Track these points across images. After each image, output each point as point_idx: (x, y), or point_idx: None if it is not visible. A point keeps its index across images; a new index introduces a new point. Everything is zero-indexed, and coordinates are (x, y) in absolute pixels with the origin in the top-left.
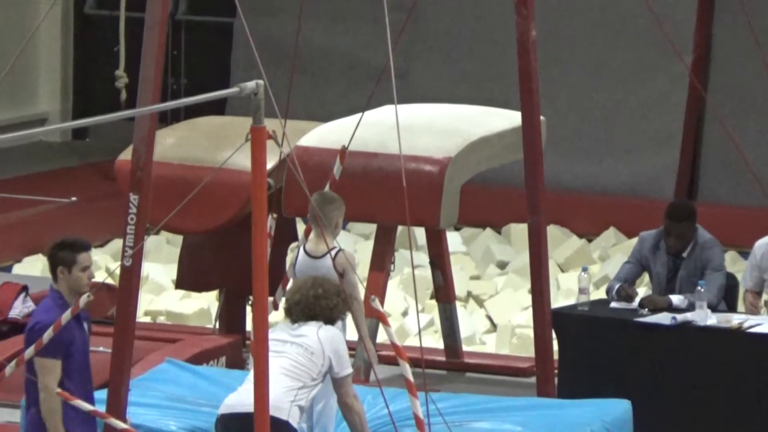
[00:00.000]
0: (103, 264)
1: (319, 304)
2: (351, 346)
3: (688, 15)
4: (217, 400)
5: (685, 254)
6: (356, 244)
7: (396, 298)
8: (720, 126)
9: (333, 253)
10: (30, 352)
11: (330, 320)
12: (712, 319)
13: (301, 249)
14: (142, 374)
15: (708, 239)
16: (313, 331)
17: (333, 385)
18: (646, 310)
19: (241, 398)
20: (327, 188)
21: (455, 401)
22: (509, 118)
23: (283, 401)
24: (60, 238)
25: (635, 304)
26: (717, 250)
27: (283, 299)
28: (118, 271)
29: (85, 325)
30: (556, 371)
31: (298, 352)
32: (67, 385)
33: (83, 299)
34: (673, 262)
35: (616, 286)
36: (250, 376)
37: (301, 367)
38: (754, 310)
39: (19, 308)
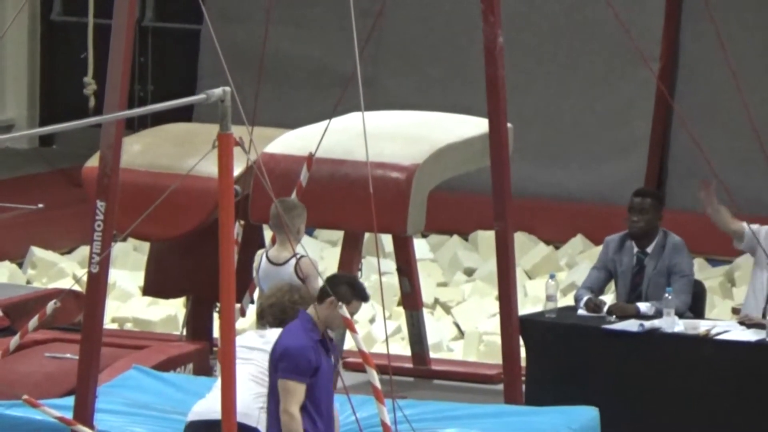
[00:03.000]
0: (70, 271)
1: (293, 309)
2: None
3: (655, 22)
4: (184, 407)
5: (649, 249)
6: (323, 251)
7: (363, 305)
8: (687, 133)
9: (295, 259)
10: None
11: None
12: (679, 326)
13: (264, 256)
14: (109, 381)
15: (677, 242)
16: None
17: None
18: (614, 317)
19: (209, 405)
20: (294, 195)
21: (422, 408)
22: (476, 125)
23: (251, 408)
24: (349, 275)
25: (604, 311)
26: (685, 255)
27: (251, 305)
28: (85, 278)
29: (332, 358)
30: (523, 378)
31: (266, 359)
32: (308, 409)
33: (50, 306)
34: (638, 257)
35: (585, 298)
36: (218, 382)
37: (268, 373)
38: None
39: None
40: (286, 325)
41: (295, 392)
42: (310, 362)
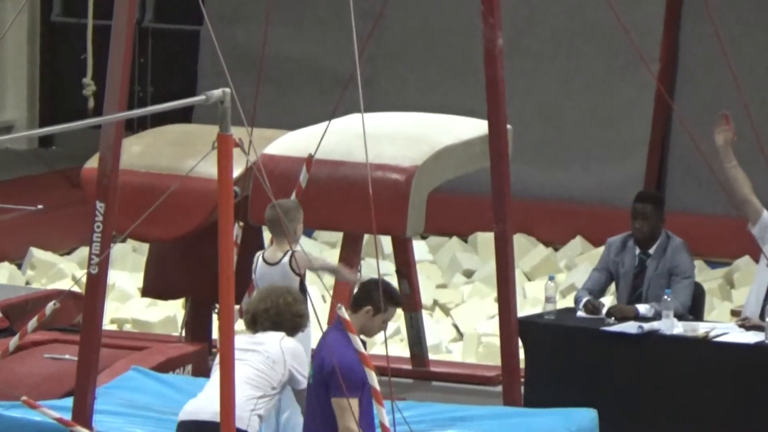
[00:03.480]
0: (70, 272)
1: (289, 310)
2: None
3: (655, 23)
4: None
5: (651, 251)
6: (322, 253)
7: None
8: (686, 134)
9: (288, 257)
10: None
11: (294, 329)
12: (678, 328)
13: (261, 257)
14: (108, 382)
15: (679, 243)
16: (275, 340)
17: (295, 396)
18: (613, 319)
19: (200, 405)
20: (293, 196)
21: (421, 410)
22: (476, 127)
23: (243, 410)
24: (383, 281)
25: (603, 313)
26: (686, 256)
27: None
28: (84, 279)
29: None
30: (522, 380)
31: (260, 360)
32: (359, 422)
33: (49, 307)
34: (640, 258)
35: (584, 300)
36: (211, 381)
37: (262, 375)
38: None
39: None
40: (281, 329)
41: (352, 409)
42: (360, 376)
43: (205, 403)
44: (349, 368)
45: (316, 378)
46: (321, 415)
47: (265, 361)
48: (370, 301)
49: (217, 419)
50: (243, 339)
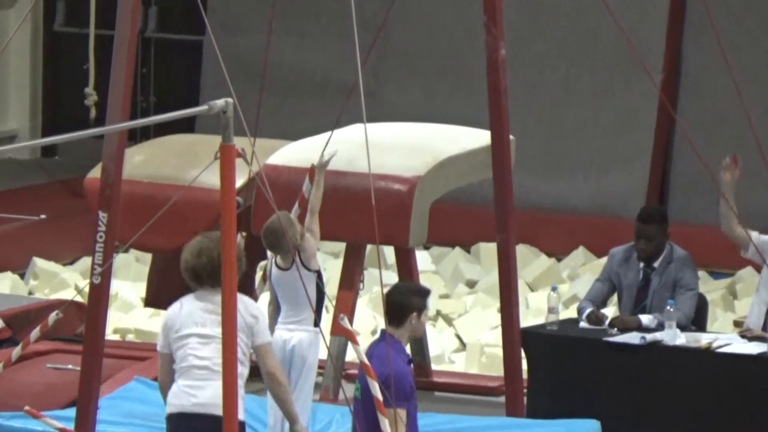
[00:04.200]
0: (72, 282)
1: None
2: (321, 365)
3: (657, 33)
4: None
5: (656, 264)
6: (325, 263)
7: (365, 317)
8: (689, 145)
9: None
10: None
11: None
12: (681, 339)
13: (273, 261)
14: (111, 392)
15: (683, 256)
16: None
17: (256, 353)
18: (616, 329)
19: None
20: (296, 207)
21: (424, 420)
22: (478, 137)
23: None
24: (409, 285)
25: (605, 324)
26: (691, 268)
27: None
28: (87, 289)
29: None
30: (525, 390)
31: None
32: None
33: (52, 317)
34: (644, 272)
35: (587, 311)
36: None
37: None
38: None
39: None
40: (219, 281)
41: (402, 418)
42: (410, 385)
43: (187, 396)
44: (400, 379)
45: (364, 392)
46: (369, 428)
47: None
48: (411, 308)
49: (203, 410)
50: (195, 312)
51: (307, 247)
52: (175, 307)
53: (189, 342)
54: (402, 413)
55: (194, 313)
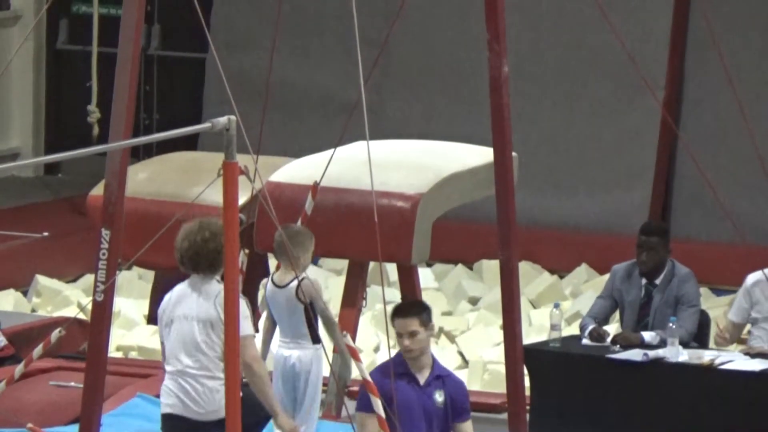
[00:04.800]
0: (75, 299)
1: (206, 247)
2: (324, 382)
3: (660, 50)
4: None
5: (658, 281)
6: (328, 280)
7: (368, 334)
8: (692, 162)
9: (295, 282)
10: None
11: (212, 267)
12: (683, 356)
13: (270, 279)
14: (114, 409)
15: (685, 273)
16: (210, 301)
17: None
18: (618, 346)
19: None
20: (299, 224)
21: None
22: (481, 154)
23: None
24: (413, 302)
25: (608, 341)
26: (693, 285)
27: (256, 334)
28: (89, 306)
29: (438, 398)
30: (527, 407)
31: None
32: None
33: (55, 334)
34: (646, 288)
35: (589, 328)
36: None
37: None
38: (721, 341)
39: None
40: (200, 268)
41: (365, 425)
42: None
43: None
44: (363, 389)
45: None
46: None
47: (203, 329)
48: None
49: (203, 417)
50: (179, 301)
51: (305, 286)
52: (166, 297)
53: (171, 331)
54: (365, 418)
55: (181, 300)
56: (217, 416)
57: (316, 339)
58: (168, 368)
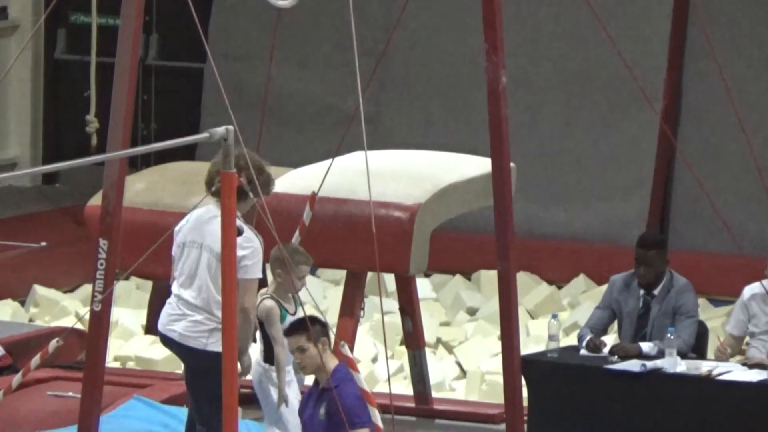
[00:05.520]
0: (73, 309)
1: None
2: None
3: (658, 62)
4: None
5: (656, 291)
6: (326, 290)
7: (366, 344)
8: (690, 173)
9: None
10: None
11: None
12: (681, 367)
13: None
14: (110, 411)
15: (683, 284)
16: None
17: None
18: (616, 357)
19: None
20: (297, 234)
21: None
22: (479, 165)
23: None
24: (310, 317)
25: (605, 351)
26: (691, 296)
27: (254, 344)
28: (87, 317)
29: (320, 411)
30: (525, 418)
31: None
32: None
33: (52, 344)
34: (644, 299)
35: (587, 338)
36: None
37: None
38: (721, 356)
39: None
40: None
41: None
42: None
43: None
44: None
45: (332, 416)
46: None
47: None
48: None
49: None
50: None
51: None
52: (184, 219)
53: (182, 256)
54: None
55: (196, 227)
56: (188, 344)
57: (265, 359)
58: (173, 289)
